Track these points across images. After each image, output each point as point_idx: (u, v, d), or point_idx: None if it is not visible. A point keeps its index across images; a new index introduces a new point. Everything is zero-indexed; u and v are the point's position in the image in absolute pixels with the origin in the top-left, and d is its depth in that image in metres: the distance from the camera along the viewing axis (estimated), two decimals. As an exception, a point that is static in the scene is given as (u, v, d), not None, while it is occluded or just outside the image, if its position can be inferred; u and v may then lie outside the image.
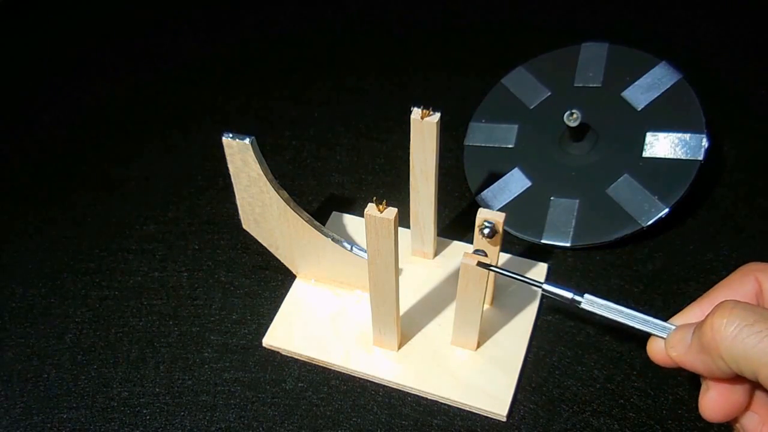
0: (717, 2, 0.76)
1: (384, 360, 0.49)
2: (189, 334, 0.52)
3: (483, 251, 0.43)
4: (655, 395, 0.47)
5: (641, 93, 0.59)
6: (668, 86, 0.59)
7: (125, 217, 0.61)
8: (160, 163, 0.66)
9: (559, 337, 0.51)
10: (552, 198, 0.57)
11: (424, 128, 0.46)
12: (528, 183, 0.58)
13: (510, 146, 0.61)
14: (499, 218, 0.45)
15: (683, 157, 0.55)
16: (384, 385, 0.49)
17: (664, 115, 0.57)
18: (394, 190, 0.62)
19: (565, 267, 0.55)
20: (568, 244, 0.55)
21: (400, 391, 0.48)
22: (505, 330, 0.50)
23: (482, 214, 0.45)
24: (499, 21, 0.79)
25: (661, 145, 0.56)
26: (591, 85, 0.61)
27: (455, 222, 0.59)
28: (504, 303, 0.52)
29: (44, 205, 0.63)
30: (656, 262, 0.54)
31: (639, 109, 0.59)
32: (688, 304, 0.52)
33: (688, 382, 0.47)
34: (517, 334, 0.50)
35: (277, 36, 0.80)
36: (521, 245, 0.56)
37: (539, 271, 0.54)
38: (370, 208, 0.39)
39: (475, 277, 0.43)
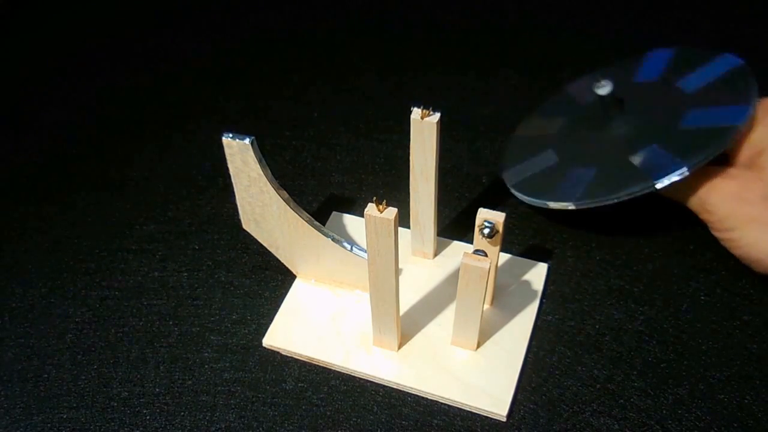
0: None
1: (384, 360, 0.49)
2: (189, 334, 0.52)
3: (483, 251, 0.43)
4: (655, 395, 0.47)
5: (695, 80, 0.56)
6: (725, 71, 0.55)
7: (125, 217, 0.61)
8: (160, 163, 0.66)
9: (559, 337, 0.51)
10: (570, 168, 0.55)
11: (424, 128, 0.46)
12: (555, 159, 0.57)
13: (552, 133, 0.60)
14: (499, 218, 0.45)
15: (722, 124, 0.51)
16: (384, 385, 0.49)
17: (713, 94, 0.54)
18: (394, 190, 0.62)
19: (565, 267, 0.55)
20: (572, 207, 0.52)
21: (400, 391, 0.48)
22: (505, 330, 0.50)
23: (482, 214, 0.45)
24: (499, 21, 0.79)
25: (702, 116, 0.53)
26: (647, 80, 0.59)
27: (455, 222, 0.59)
28: (504, 303, 0.52)
29: (44, 205, 0.63)
30: (656, 262, 0.54)
31: (688, 92, 0.56)
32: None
33: (688, 382, 0.47)
34: (517, 334, 0.50)
35: (277, 36, 0.80)
36: (521, 245, 0.56)
37: (539, 271, 0.54)
38: (370, 208, 0.39)
39: (475, 277, 0.43)
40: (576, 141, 0.58)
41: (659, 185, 0.49)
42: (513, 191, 0.57)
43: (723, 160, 0.52)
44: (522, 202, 0.57)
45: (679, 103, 0.55)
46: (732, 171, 0.51)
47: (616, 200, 0.50)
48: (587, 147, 0.57)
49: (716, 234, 0.52)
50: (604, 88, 0.54)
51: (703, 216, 0.52)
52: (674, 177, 0.49)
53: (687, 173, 0.49)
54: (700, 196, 0.51)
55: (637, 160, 0.52)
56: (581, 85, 0.64)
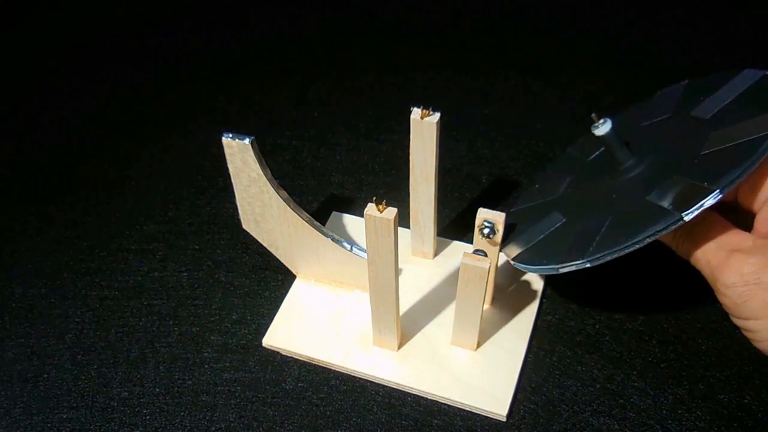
0: None
1: (384, 360, 0.49)
2: (189, 334, 0.52)
3: (483, 251, 0.43)
4: (655, 395, 0.47)
5: (713, 105, 0.48)
6: (747, 86, 0.47)
7: (125, 217, 0.61)
8: (160, 163, 0.66)
9: (559, 337, 0.51)
10: (580, 224, 0.47)
11: (424, 128, 0.46)
12: (561, 219, 0.49)
13: (555, 197, 0.53)
14: (499, 218, 0.45)
15: (749, 137, 0.42)
16: (384, 385, 0.49)
17: (735, 113, 0.46)
18: (394, 190, 0.62)
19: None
20: (588, 265, 0.43)
21: (400, 391, 0.48)
22: (505, 330, 0.50)
23: (482, 214, 0.45)
24: (499, 21, 0.79)
25: (725, 137, 0.44)
26: (658, 119, 0.52)
27: (455, 222, 0.59)
28: (504, 303, 0.52)
29: (44, 205, 0.63)
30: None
31: (707, 117, 0.48)
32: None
33: (688, 382, 0.47)
34: (517, 334, 0.50)
35: (277, 36, 0.80)
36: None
37: (539, 271, 0.54)
38: (370, 208, 0.39)
39: (475, 277, 0.43)
40: (584, 196, 0.50)
41: (689, 216, 0.40)
42: (515, 264, 0.49)
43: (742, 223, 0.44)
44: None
45: (697, 132, 0.47)
46: (751, 243, 0.41)
47: (637, 246, 0.42)
48: (598, 199, 0.49)
49: (733, 320, 0.43)
50: (602, 127, 0.47)
51: (718, 297, 0.42)
52: (708, 202, 0.39)
53: (721, 196, 0.39)
54: (712, 272, 0.42)
55: (656, 197, 0.43)
56: (582, 143, 0.57)
